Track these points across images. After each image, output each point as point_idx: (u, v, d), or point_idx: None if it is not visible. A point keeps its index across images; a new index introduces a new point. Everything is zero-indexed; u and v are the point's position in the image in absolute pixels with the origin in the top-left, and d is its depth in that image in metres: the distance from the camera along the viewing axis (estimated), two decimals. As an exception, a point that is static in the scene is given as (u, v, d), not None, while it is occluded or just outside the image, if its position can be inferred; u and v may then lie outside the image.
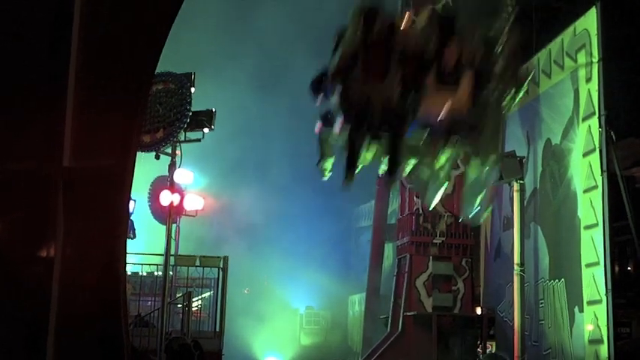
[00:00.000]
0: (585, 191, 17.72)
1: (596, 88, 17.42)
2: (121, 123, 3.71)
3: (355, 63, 8.97)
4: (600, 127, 17.11)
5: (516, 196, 18.76)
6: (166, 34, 3.66)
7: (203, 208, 24.08)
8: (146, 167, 16.50)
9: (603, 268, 16.61)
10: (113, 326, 3.88)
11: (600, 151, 17.10)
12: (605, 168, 16.98)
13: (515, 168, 18.62)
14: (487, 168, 10.57)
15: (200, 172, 26.57)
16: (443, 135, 9.61)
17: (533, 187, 20.58)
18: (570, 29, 19.00)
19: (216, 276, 19.30)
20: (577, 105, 18.53)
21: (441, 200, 25.01)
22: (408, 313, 24.50)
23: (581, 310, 17.66)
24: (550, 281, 19.66)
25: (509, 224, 21.86)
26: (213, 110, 15.31)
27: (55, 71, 3.54)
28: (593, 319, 16.98)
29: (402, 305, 24.85)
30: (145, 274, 21.36)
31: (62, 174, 3.61)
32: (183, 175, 19.51)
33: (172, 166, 15.25)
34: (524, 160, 19.64)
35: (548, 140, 20.24)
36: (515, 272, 18.97)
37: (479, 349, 23.94)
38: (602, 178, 16.96)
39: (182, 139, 15.31)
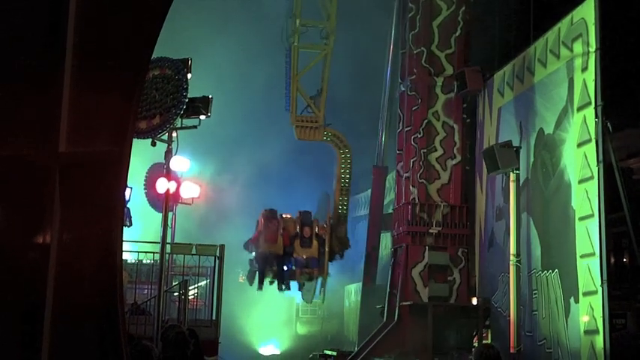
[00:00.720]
0: (580, 182, 17.72)
1: (593, 77, 17.40)
2: (118, 108, 3.69)
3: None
4: (597, 117, 17.10)
5: (512, 186, 18.79)
6: (163, 18, 3.64)
7: (199, 196, 24.06)
8: (142, 154, 16.46)
9: (599, 259, 16.63)
10: (109, 314, 3.87)
11: (596, 142, 17.09)
12: (601, 159, 16.97)
13: (511, 158, 18.63)
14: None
15: (197, 159, 26.54)
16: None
17: (525, 177, 20.57)
18: (567, 18, 18.97)
19: (213, 264, 19.30)
20: (571, 94, 18.52)
21: (437, 190, 25.36)
22: (404, 303, 24.54)
23: (577, 301, 17.70)
24: (543, 272, 19.69)
25: (501, 214, 21.90)
26: (210, 97, 15.25)
27: (50, 55, 3.52)
28: (589, 310, 17.02)
29: (398, 295, 24.88)
30: (141, 261, 21.35)
31: (58, 160, 3.59)
32: (179, 163, 19.47)
33: (169, 154, 15.18)
34: (520, 149, 19.66)
35: (541, 130, 20.24)
36: (511, 263, 19.01)
37: (474, 339, 23.99)
38: (599, 169, 16.96)
39: (178, 125, 15.24)
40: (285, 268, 24.63)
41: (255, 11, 35.69)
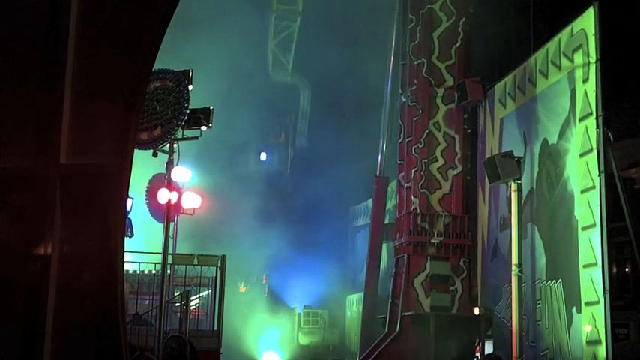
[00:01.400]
0: (582, 192, 17.72)
1: (593, 88, 17.42)
2: (119, 120, 3.70)
3: None
4: (598, 127, 17.11)
5: (514, 196, 18.76)
6: (164, 30, 3.66)
7: (200, 207, 24.07)
8: (144, 165, 16.48)
9: (601, 269, 16.61)
10: (111, 325, 3.87)
11: (598, 152, 17.10)
12: (602, 169, 16.97)
13: (512, 168, 18.62)
14: None
15: (198, 169, 26.58)
16: None
17: (530, 187, 20.60)
18: (567, 29, 19.01)
19: (214, 274, 19.29)
20: (573, 105, 18.54)
21: (438, 200, 25.37)
22: (406, 313, 24.51)
23: (579, 311, 17.67)
24: (547, 282, 19.67)
25: (505, 224, 21.87)
26: (211, 108, 15.28)
27: (51, 67, 3.54)
28: (591, 320, 16.99)
29: (400, 305, 24.85)
30: (143, 272, 21.34)
31: (59, 172, 3.60)
32: (180, 173, 19.49)
33: (170, 164, 15.21)
34: (521, 160, 19.65)
35: (545, 140, 20.26)
36: (513, 273, 18.98)
37: (477, 349, 23.95)
38: (600, 179, 16.96)
39: (179, 136, 15.27)
40: None
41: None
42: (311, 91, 43.70)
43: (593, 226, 17.04)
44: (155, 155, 15.05)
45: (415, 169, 25.46)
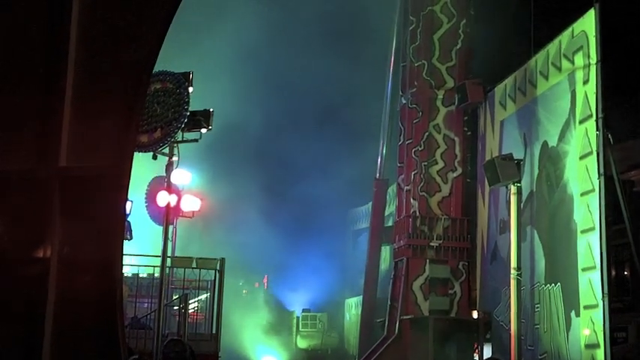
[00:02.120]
0: (582, 194, 17.70)
1: (594, 90, 17.40)
2: (119, 122, 3.68)
3: None
4: (597, 129, 17.09)
5: (513, 199, 18.72)
6: (165, 31, 3.63)
7: (200, 209, 24.05)
8: (143, 168, 16.46)
9: (600, 273, 16.58)
10: (110, 328, 3.84)
11: (597, 154, 17.07)
12: (602, 171, 16.94)
13: (512, 171, 18.58)
14: None
15: (198, 172, 26.55)
16: None
17: (530, 190, 20.57)
18: (568, 31, 19.00)
19: (213, 278, 19.25)
20: (573, 107, 18.53)
21: (438, 203, 25.34)
22: (405, 317, 24.47)
23: (578, 315, 17.64)
24: (546, 285, 19.64)
25: (505, 227, 21.84)
26: (211, 110, 15.26)
27: (51, 68, 3.51)
28: (590, 324, 16.95)
29: (399, 308, 24.82)
30: (141, 275, 21.31)
31: (58, 174, 3.57)
32: (180, 176, 19.47)
33: (170, 167, 15.18)
34: (521, 162, 19.62)
35: (545, 142, 20.24)
36: (512, 276, 18.94)
37: (475, 353, 23.91)
38: (599, 182, 16.93)
39: (180, 139, 15.24)
40: None
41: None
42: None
43: (593, 229, 17.01)
44: (155, 158, 15.03)
45: (415, 171, 25.44)
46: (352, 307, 38.41)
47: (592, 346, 16.78)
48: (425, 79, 25.81)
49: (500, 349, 21.65)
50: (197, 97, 15.12)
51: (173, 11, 3.65)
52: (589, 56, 17.75)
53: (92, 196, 3.65)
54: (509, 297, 19.01)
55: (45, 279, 3.65)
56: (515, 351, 18.67)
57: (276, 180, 40.85)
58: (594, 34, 17.53)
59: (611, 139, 17.00)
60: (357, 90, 36.81)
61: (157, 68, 14.69)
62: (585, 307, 17.22)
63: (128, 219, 17.94)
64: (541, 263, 20.00)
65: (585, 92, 17.83)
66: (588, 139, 17.50)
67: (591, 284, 16.93)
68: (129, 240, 18.91)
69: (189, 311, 20.18)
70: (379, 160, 30.30)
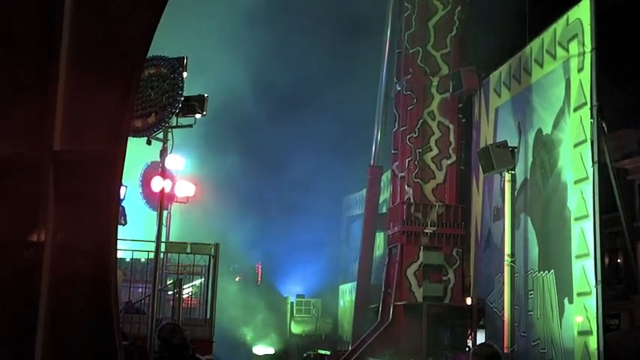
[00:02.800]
0: (576, 182, 17.73)
1: (588, 78, 17.40)
2: (113, 107, 3.66)
3: None
4: (592, 118, 17.10)
5: (507, 186, 18.75)
6: (159, 14, 3.61)
7: (194, 195, 24.03)
8: (137, 153, 16.41)
9: (593, 260, 16.63)
10: (104, 313, 3.84)
11: (592, 142, 17.09)
12: (596, 159, 16.97)
13: (506, 158, 18.60)
14: None
15: (193, 157, 26.52)
16: None
17: (524, 177, 20.59)
18: (563, 19, 18.97)
19: (207, 263, 19.25)
20: (568, 95, 18.52)
21: (432, 190, 25.37)
22: (399, 303, 24.55)
23: (571, 302, 17.70)
24: (539, 272, 19.70)
25: (499, 215, 21.89)
26: (205, 95, 15.21)
27: (45, 50, 3.49)
28: (583, 311, 17.02)
29: (393, 295, 24.89)
30: (136, 260, 21.30)
31: (52, 158, 3.55)
32: (174, 161, 19.43)
33: (164, 152, 15.15)
34: (515, 150, 19.64)
35: (539, 130, 20.25)
36: (505, 263, 19.00)
37: (469, 339, 24.01)
38: (593, 170, 16.96)
39: (174, 124, 15.20)
40: None
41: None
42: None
43: (586, 216, 17.05)
44: (149, 143, 14.98)
45: (409, 158, 25.47)
46: (346, 293, 38.50)
47: (585, 332, 16.85)
48: (420, 66, 25.80)
49: (493, 336, 21.73)
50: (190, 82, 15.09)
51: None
52: (584, 44, 17.74)
53: (86, 181, 3.63)
54: (503, 284, 19.07)
55: (39, 263, 3.64)
56: (508, 337, 18.75)
57: (269, 167, 40.85)
58: (589, 22, 17.51)
59: (605, 128, 17.01)
60: (351, 74, 36.74)
61: (150, 53, 14.68)
62: (579, 295, 17.29)
63: (122, 204, 17.93)
64: (535, 250, 20.05)
65: (580, 80, 17.82)
66: (582, 127, 17.51)
67: (585, 271, 16.98)
68: (123, 225, 18.90)
69: (184, 296, 20.20)
70: (373, 146, 30.32)
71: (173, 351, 7.14)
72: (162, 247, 17.03)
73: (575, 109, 18.04)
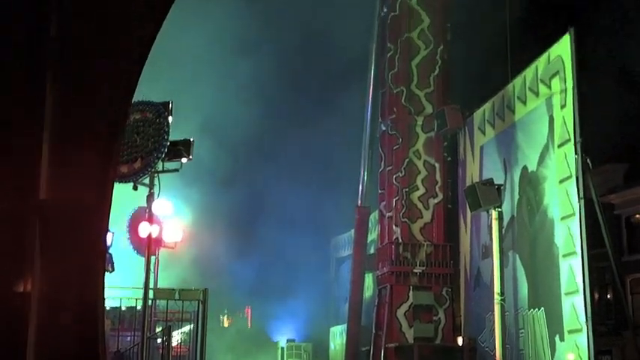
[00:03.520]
0: (562, 218, 17.76)
1: (571, 114, 17.53)
2: (98, 154, 3.65)
3: None
4: (576, 153, 17.19)
5: (495, 224, 18.74)
6: (144, 61, 3.62)
7: (182, 240, 23.90)
8: (125, 198, 16.35)
9: (582, 297, 16.60)
10: (91, 362, 3.79)
11: (577, 178, 17.16)
12: (582, 195, 17.02)
13: (493, 196, 18.63)
14: None
15: (181, 201, 26.43)
16: None
17: (511, 215, 20.61)
18: (544, 56, 19.17)
19: (196, 309, 19.06)
20: (552, 131, 18.64)
21: (420, 229, 25.35)
22: (390, 345, 24.37)
23: (562, 339, 17.62)
24: (530, 310, 19.63)
25: (487, 252, 21.87)
26: (191, 140, 15.22)
27: (31, 102, 3.49)
28: (574, 348, 16.93)
29: (384, 336, 24.72)
30: (124, 308, 21.07)
31: (38, 208, 3.53)
32: (162, 206, 19.34)
33: (150, 197, 15.09)
34: (502, 187, 19.68)
35: (525, 167, 20.34)
36: (495, 301, 18.92)
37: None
38: (580, 206, 17.00)
39: (160, 169, 15.17)
40: None
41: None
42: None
43: (574, 253, 17.06)
44: (135, 188, 14.93)
45: (396, 198, 25.48)
46: (337, 336, 38.18)
47: (577, 370, 16.76)
48: (404, 106, 25.95)
49: (485, 375, 21.59)
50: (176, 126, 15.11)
51: (150, 42, 3.64)
52: (565, 81, 17.91)
53: (72, 229, 3.61)
54: (494, 322, 18.98)
55: (25, 314, 3.60)
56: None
57: (257, 210, 40.78)
58: (570, 58, 17.70)
59: (590, 163, 17.09)
60: (337, 115, 36.89)
61: (135, 98, 14.71)
62: (569, 332, 17.22)
63: (109, 251, 17.79)
64: (524, 288, 20.01)
65: (563, 117, 17.96)
66: (567, 163, 17.60)
67: (575, 308, 16.94)
68: (110, 272, 18.72)
69: (173, 344, 19.97)
70: (360, 187, 30.30)
71: None
72: (151, 293, 16.88)
73: (560, 146, 18.14)
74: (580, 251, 16.78)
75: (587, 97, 18.42)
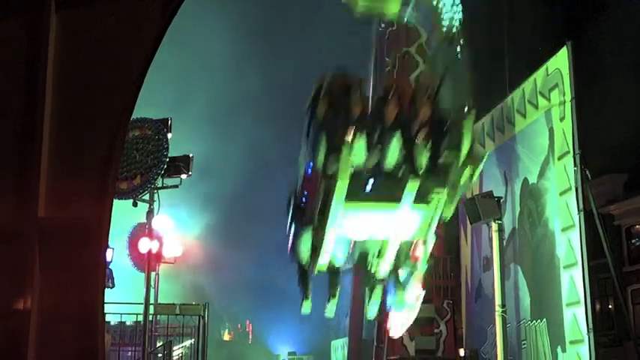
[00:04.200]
0: (563, 230, 17.77)
1: (570, 126, 17.59)
2: (97, 171, 3.68)
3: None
4: (575, 165, 17.23)
5: (495, 236, 18.75)
6: (143, 77, 3.65)
7: (182, 255, 23.93)
8: (126, 214, 16.40)
9: (584, 308, 16.59)
10: (91, 378, 3.80)
11: (576, 190, 17.19)
12: (581, 207, 17.05)
13: (493, 208, 18.64)
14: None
15: (181, 217, 26.46)
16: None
17: (512, 226, 20.62)
18: (543, 68, 19.24)
19: (197, 323, 19.09)
20: (552, 144, 18.69)
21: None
22: (391, 358, 24.31)
23: (564, 350, 17.59)
24: (531, 322, 19.61)
25: (488, 265, 21.86)
26: (191, 155, 15.29)
27: (30, 119, 3.52)
28: (576, 359, 16.92)
29: (385, 350, 24.67)
30: (124, 323, 21.09)
31: (37, 225, 3.56)
32: (161, 222, 19.40)
33: (150, 213, 15.16)
34: (502, 200, 19.69)
35: (526, 179, 20.36)
36: (497, 313, 18.91)
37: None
38: (580, 217, 17.02)
39: (160, 185, 15.23)
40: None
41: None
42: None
43: (575, 264, 17.06)
44: (135, 205, 15.00)
45: (397, 211, 25.45)
46: (338, 349, 38.11)
47: (579, 381, 16.74)
48: (403, 120, 25.96)
49: (487, 388, 21.56)
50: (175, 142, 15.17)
51: (149, 58, 3.67)
52: (564, 93, 17.98)
53: (72, 246, 3.63)
54: (495, 334, 18.95)
55: (25, 330, 3.61)
56: (502, 389, 18.60)
57: (258, 221, 40.79)
58: (568, 71, 17.77)
59: (588, 175, 17.13)
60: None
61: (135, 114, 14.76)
62: (571, 343, 17.19)
63: (109, 267, 17.83)
64: (526, 300, 19.99)
65: (562, 129, 18.00)
66: (567, 175, 17.63)
67: (576, 319, 16.93)
68: (111, 288, 18.76)
69: (174, 358, 19.98)
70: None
71: None
72: (151, 309, 16.90)
73: (560, 158, 18.18)
74: (581, 262, 16.79)
75: (586, 108, 18.46)
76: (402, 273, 14.19)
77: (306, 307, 14.50)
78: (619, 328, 24.80)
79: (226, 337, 41.04)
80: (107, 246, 3.79)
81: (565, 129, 17.83)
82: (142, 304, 15.29)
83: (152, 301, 18.03)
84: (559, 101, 18.19)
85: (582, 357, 16.57)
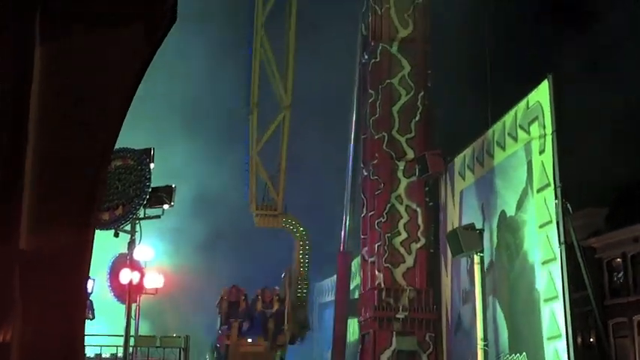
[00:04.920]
0: (544, 263, 17.82)
1: (550, 159, 17.70)
2: (79, 202, 3.67)
3: None
4: (556, 198, 17.32)
5: (477, 269, 18.80)
6: (125, 111, 3.66)
7: (163, 286, 23.76)
8: (106, 244, 16.28)
9: (565, 342, 16.59)
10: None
11: (557, 223, 17.26)
12: (562, 240, 17.11)
13: (474, 240, 18.71)
14: None
15: (162, 247, 26.31)
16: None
17: (490, 259, 20.64)
18: (523, 102, 19.42)
19: (178, 356, 18.91)
20: (530, 176, 18.80)
21: (402, 274, 25.31)
22: (375, 391, 24.18)
23: (546, 383, 17.56)
24: (510, 355, 19.57)
25: (467, 298, 21.86)
26: (173, 186, 15.27)
27: (9, 154, 3.51)
28: (558, 394, 16.89)
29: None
30: (104, 356, 20.85)
31: (18, 257, 3.54)
32: (143, 252, 19.28)
33: (132, 244, 15.08)
34: (483, 232, 19.77)
35: (503, 212, 20.45)
36: (479, 347, 18.87)
37: None
38: (560, 250, 17.08)
39: (141, 215, 15.18)
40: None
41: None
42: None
43: (556, 297, 17.09)
44: (117, 235, 14.92)
45: (378, 243, 25.47)
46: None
47: (560, 415, 16.68)
48: (385, 151, 26.08)
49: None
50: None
51: (134, 88, 3.69)
52: (544, 126, 18.12)
53: (53, 278, 3.61)
54: (477, 368, 18.91)
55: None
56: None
57: (240, 253, 40.56)
58: (549, 104, 17.94)
59: (570, 208, 17.21)
60: (320, 159, 36.95)
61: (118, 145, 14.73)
62: (553, 377, 17.18)
63: (90, 298, 17.67)
64: (504, 333, 19.97)
65: (542, 162, 18.13)
66: (547, 207, 17.72)
67: (558, 354, 16.92)
68: (91, 319, 18.58)
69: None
70: (342, 232, 30.28)
71: None
72: (132, 341, 16.73)
73: (539, 190, 18.29)
74: (562, 295, 16.81)
75: (566, 142, 18.61)
76: None
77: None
78: (600, 361, 24.76)
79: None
80: (88, 276, 3.78)
81: (545, 162, 17.95)
82: (122, 336, 15.14)
83: (133, 332, 17.85)
84: (539, 134, 18.33)
85: (564, 391, 16.55)
